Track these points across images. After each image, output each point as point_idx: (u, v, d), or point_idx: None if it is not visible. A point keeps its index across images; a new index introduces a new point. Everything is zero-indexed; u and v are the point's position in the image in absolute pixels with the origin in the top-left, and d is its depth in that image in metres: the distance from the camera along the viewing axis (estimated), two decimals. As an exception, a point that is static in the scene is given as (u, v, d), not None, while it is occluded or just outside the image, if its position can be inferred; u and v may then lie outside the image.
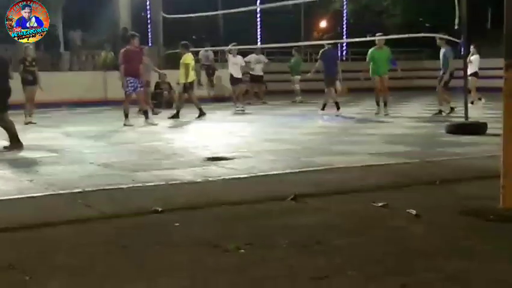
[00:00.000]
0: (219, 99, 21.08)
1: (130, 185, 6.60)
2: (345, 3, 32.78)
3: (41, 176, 7.26)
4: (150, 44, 26.72)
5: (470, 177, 6.81)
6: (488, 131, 10.60)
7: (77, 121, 14.86)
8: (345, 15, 33.14)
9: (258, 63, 20.72)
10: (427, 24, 30.33)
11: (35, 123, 14.09)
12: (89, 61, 22.81)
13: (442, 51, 15.11)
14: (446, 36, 14.80)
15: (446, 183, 6.53)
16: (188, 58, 15.68)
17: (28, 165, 8.13)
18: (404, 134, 11.35)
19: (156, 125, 13.54)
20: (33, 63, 14.63)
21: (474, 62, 17.26)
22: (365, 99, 19.73)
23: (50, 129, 13.13)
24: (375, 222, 5.06)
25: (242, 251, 4.28)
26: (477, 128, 10.89)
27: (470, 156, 8.43)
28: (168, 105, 18.38)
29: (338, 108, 15.58)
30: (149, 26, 27.96)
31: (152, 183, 6.69)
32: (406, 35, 21.38)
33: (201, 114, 15.29)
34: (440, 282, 3.68)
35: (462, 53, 13.11)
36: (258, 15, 27.00)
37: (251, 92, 21.02)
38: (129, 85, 13.84)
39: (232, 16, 20.54)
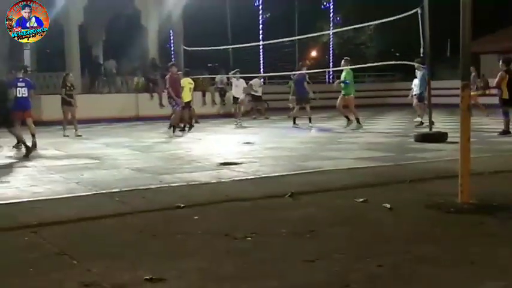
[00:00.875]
0: (228, 115, 21.06)
1: (158, 186, 6.59)
2: (331, 37, 32.81)
3: (85, 179, 7.25)
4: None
5: (435, 177, 6.79)
6: (449, 139, 10.56)
7: (114, 134, 14.84)
8: (331, 47, 33.17)
9: (259, 87, 20.71)
10: (397, 54, 30.31)
11: (81, 135, 14.13)
12: (123, 85, 22.87)
13: (420, 73, 14.82)
14: (411, 62, 14.73)
15: (415, 182, 6.51)
16: (185, 82, 15.60)
17: (75, 170, 8.13)
18: (381, 143, 11.30)
19: (180, 136, 13.73)
20: (72, 88, 14.66)
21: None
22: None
23: (92, 140, 13.12)
24: (357, 215, 5.04)
25: (248, 238, 4.28)
26: (440, 137, 10.86)
27: (434, 160, 8.40)
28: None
29: (310, 121, 15.54)
30: (172, 56, 28.07)
31: (175, 184, 6.68)
32: (381, 63, 21.35)
33: (190, 127, 15.32)
34: (410, 262, 3.67)
35: (426, 76, 13.05)
36: (261, 48, 27.08)
37: (254, 109, 21.01)
38: (173, 103, 14.49)
39: (241, 49, 20.53)
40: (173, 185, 6.65)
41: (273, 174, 7.35)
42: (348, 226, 4.65)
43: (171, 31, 26.30)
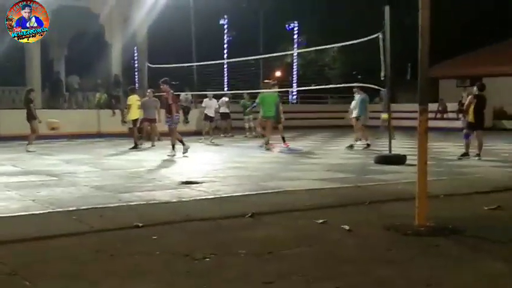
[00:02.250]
0: (193, 134, 20.99)
1: (117, 204, 6.50)
2: (295, 58, 33.20)
3: (42, 197, 7.08)
4: (137, 88, 26.62)
5: (393, 199, 6.88)
6: (408, 162, 10.67)
7: (74, 150, 14.60)
8: (295, 67, 33.54)
9: (225, 105, 20.77)
10: (359, 76, 30.85)
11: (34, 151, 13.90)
12: (85, 101, 22.60)
13: (360, 97, 15.40)
14: (372, 85, 15.01)
15: (374, 204, 6.59)
16: (132, 99, 15.74)
17: (31, 187, 7.95)
18: (341, 164, 11.39)
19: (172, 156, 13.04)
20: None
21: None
22: (310, 135, 19.85)
23: (51, 157, 12.87)
24: (316, 236, 5.07)
25: (208, 259, 4.25)
26: (398, 159, 11.01)
27: (393, 182, 8.50)
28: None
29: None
30: (136, 73, 27.88)
31: (135, 203, 6.59)
32: (343, 84, 21.70)
33: (135, 146, 15.13)
34: (367, 284, 3.70)
35: (384, 99, 13.33)
36: (225, 66, 27.22)
37: (221, 127, 21.01)
38: (170, 121, 13.38)
39: (205, 67, 20.59)
40: (132, 203, 6.56)
41: (234, 194, 7.33)
42: (307, 247, 4.67)
43: (135, 48, 26.17)
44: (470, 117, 12.26)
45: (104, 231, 5.16)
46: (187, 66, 21.66)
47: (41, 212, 6.06)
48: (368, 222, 5.57)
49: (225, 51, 30.14)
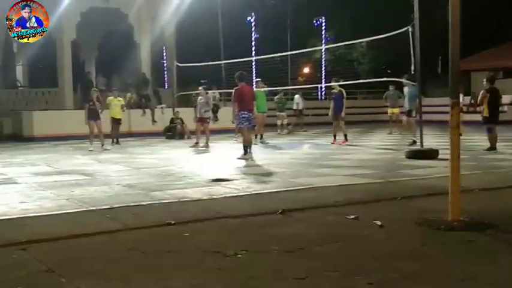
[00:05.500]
0: (222, 131, 21.06)
1: (149, 202, 6.57)
2: (323, 54, 33.01)
3: (76, 195, 7.21)
4: (166, 87, 26.88)
5: (425, 194, 6.81)
6: (440, 156, 10.56)
7: (107, 150, 14.74)
8: (323, 63, 33.35)
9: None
10: (388, 71, 30.52)
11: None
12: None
13: (409, 90, 14.88)
14: (403, 80, 14.84)
15: (406, 199, 6.53)
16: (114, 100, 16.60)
17: (65, 186, 8.09)
18: (371, 159, 11.30)
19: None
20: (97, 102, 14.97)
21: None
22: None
23: (84, 156, 13.07)
24: (348, 232, 5.05)
25: (239, 255, 4.27)
26: (430, 154, 10.88)
27: (425, 177, 8.41)
28: (180, 136, 18.42)
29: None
30: (165, 72, 28.13)
31: (166, 201, 6.67)
32: (373, 79, 21.56)
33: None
34: (399, 280, 3.67)
35: (417, 93, 13.14)
36: (254, 63, 27.20)
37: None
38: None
39: (233, 65, 20.61)
40: (164, 201, 6.63)
41: (264, 191, 7.34)
42: (338, 243, 4.65)
43: (163, 47, 26.39)
44: (485, 112, 12.01)
45: (137, 229, 5.23)
46: (215, 64, 21.74)
47: (75, 210, 6.17)
48: (400, 218, 5.52)
49: (253, 48, 30.13)
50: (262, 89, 16.63)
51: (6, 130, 20.32)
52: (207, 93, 15.83)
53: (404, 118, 15.43)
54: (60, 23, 20.66)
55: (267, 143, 15.90)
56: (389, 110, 19.19)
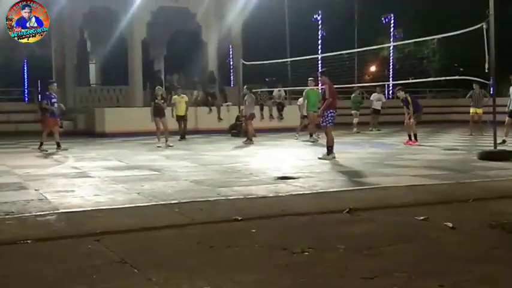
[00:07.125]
0: (286, 130, 21.07)
1: (216, 198, 6.68)
2: (391, 51, 32.41)
3: (146, 190, 7.41)
4: (232, 85, 27.19)
5: (498, 196, 6.60)
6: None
7: (174, 146, 15.05)
8: (391, 61, 32.76)
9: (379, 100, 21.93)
10: (461, 69, 29.58)
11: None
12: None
13: None
14: (476, 78, 14.32)
15: (478, 201, 6.35)
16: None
17: (136, 181, 8.35)
18: (441, 160, 11.02)
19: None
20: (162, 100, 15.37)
21: None
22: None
23: (153, 152, 13.42)
24: (417, 232, 4.95)
25: (306, 253, 4.28)
26: (504, 155, 10.51)
27: (499, 179, 8.15)
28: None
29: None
30: (231, 71, 28.45)
31: (233, 197, 6.76)
32: (443, 78, 20.93)
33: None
34: (472, 283, 3.57)
35: (491, 92, 12.68)
36: (319, 62, 27.06)
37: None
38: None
39: (298, 63, 20.60)
40: (231, 197, 6.72)
41: (331, 190, 7.31)
42: (407, 244, 4.58)
43: (230, 46, 26.70)
44: None
45: (204, 224, 5.33)
46: (281, 62, 21.77)
47: (145, 204, 6.36)
48: (472, 220, 5.37)
49: (319, 46, 29.97)
50: (316, 88, 16.66)
51: (80, 126, 21.16)
52: (251, 92, 16.66)
53: (507, 119, 14.64)
54: (132, 22, 21.34)
55: (318, 140, 16.01)
56: (472, 110, 18.15)
